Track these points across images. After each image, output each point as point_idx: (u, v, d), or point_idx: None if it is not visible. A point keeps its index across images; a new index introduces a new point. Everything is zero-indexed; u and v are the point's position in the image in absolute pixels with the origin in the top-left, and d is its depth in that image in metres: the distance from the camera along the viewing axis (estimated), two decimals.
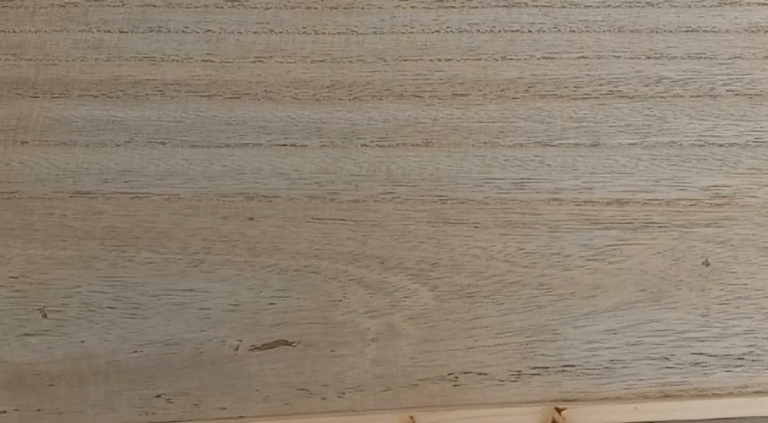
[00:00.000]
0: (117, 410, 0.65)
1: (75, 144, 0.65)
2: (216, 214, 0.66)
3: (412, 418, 0.64)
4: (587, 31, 0.66)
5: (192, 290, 0.65)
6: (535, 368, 0.66)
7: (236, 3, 0.65)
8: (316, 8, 0.65)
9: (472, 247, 0.66)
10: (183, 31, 0.65)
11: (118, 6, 0.65)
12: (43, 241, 0.65)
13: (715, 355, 0.66)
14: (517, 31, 0.66)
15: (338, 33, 0.65)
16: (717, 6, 0.66)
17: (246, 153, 0.65)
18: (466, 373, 0.66)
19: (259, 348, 0.65)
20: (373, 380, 0.66)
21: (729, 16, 0.66)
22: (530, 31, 0.66)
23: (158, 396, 0.66)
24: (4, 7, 0.65)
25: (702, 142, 0.66)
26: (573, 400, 0.66)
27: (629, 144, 0.66)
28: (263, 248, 0.65)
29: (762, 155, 0.66)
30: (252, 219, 0.65)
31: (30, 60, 0.65)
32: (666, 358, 0.66)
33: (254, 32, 0.65)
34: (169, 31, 0.66)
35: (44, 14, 0.65)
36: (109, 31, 0.65)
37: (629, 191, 0.66)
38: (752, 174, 0.66)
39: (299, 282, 0.66)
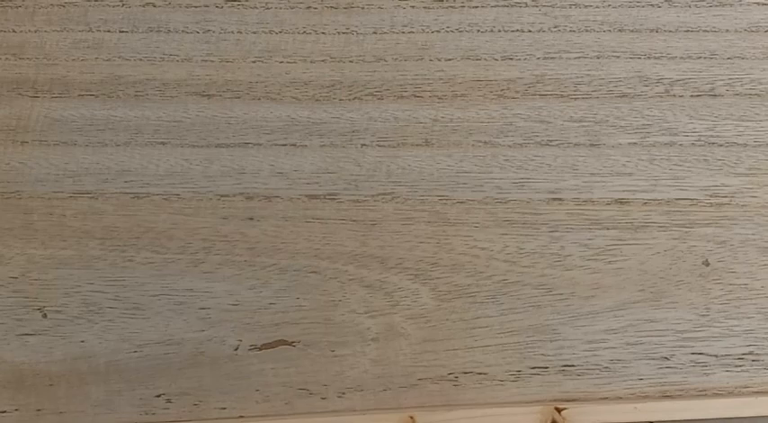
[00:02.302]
0: (117, 410, 0.65)
1: (75, 144, 0.65)
2: (216, 214, 0.66)
3: (412, 418, 0.64)
4: (587, 31, 0.66)
5: (191, 290, 0.66)
6: (535, 368, 0.66)
7: (236, 3, 0.65)
8: (316, 8, 0.65)
9: (472, 247, 0.66)
10: (183, 31, 0.65)
11: (118, 6, 0.65)
12: (43, 241, 0.65)
13: (715, 355, 0.66)
14: (517, 30, 0.66)
15: (338, 33, 0.65)
16: (717, 6, 0.66)
17: (246, 153, 0.65)
18: (466, 373, 0.66)
19: (259, 348, 0.65)
20: (373, 380, 0.66)
21: (729, 16, 0.66)
22: (530, 31, 0.66)
23: (158, 396, 0.66)
24: (4, 7, 0.65)
25: (702, 142, 0.66)
26: (573, 400, 0.66)
27: (629, 144, 0.66)
28: (263, 248, 0.65)
29: (762, 155, 0.66)
30: (252, 219, 0.65)
31: (30, 60, 0.65)
32: (666, 358, 0.66)
33: (254, 32, 0.65)
34: (169, 31, 0.66)
35: (44, 14, 0.65)
36: (109, 31, 0.65)
37: (629, 191, 0.66)
38: (752, 174, 0.66)
39: (299, 282, 0.66)
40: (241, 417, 0.66)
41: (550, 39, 0.66)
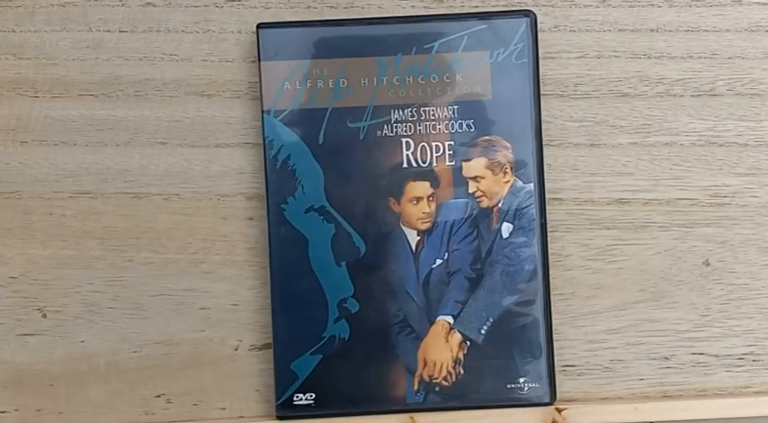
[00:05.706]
0: (117, 410, 0.65)
1: (75, 144, 0.66)
2: (216, 214, 0.66)
3: (412, 418, 0.64)
4: (587, 31, 0.66)
5: (192, 290, 0.65)
6: None
7: (237, 3, 0.65)
8: (316, 8, 0.65)
9: None
10: (182, 30, 0.65)
11: (118, 6, 0.65)
12: (43, 241, 0.65)
13: (715, 355, 0.66)
14: None
15: None
16: (717, 6, 0.66)
17: (246, 153, 0.65)
18: None
19: (259, 348, 0.65)
20: None
21: (730, 16, 0.66)
22: None
23: (158, 396, 0.66)
24: (4, 7, 0.65)
25: (702, 142, 0.66)
26: (573, 400, 0.66)
27: (629, 144, 0.66)
28: (262, 248, 0.65)
29: (762, 155, 0.66)
30: (252, 219, 0.65)
31: (30, 60, 0.65)
32: (666, 358, 0.66)
33: (254, 32, 0.65)
34: (169, 30, 0.66)
35: (44, 14, 0.65)
36: (109, 31, 0.65)
37: (629, 191, 0.66)
38: (752, 174, 0.66)
39: None
40: (241, 417, 0.66)
41: (550, 39, 0.66)
